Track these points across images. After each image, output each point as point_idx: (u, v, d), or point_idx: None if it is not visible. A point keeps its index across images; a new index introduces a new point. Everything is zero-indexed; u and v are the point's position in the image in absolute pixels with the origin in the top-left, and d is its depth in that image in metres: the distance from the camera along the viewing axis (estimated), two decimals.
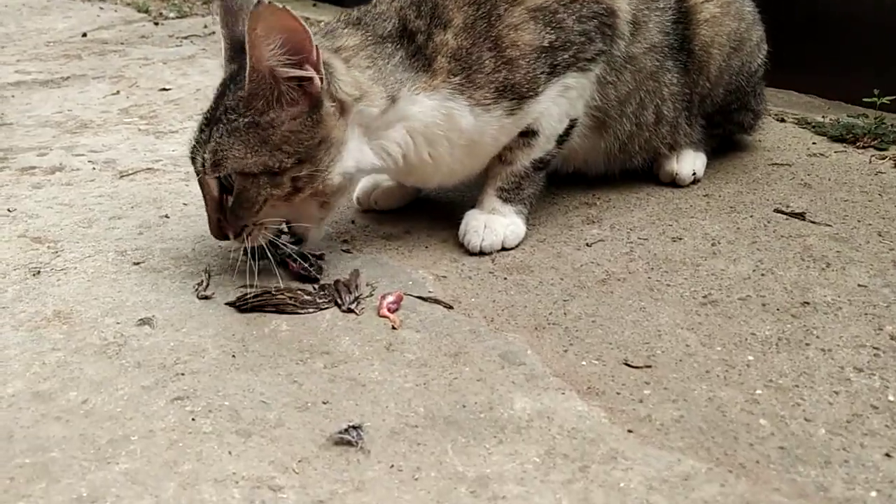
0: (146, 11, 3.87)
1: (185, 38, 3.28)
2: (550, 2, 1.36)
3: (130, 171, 1.84)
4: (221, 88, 1.29)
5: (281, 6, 1.14)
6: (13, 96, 2.48)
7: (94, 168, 1.86)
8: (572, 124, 1.47)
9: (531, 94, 1.36)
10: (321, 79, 1.22)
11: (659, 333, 1.19)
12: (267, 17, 1.15)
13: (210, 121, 1.26)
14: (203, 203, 1.32)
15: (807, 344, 1.15)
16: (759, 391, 1.05)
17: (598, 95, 1.48)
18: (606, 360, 1.13)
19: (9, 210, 1.64)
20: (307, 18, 3.54)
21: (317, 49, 1.20)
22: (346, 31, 1.35)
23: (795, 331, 1.18)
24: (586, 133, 1.53)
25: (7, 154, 1.96)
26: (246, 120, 1.22)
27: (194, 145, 1.28)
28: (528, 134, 1.42)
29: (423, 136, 1.35)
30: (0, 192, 1.74)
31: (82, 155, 1.95)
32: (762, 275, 1.33)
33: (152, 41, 3.25)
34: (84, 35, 3.38)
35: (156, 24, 3.61)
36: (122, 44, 3.22)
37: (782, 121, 2.01)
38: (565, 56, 1.38)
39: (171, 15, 3.77)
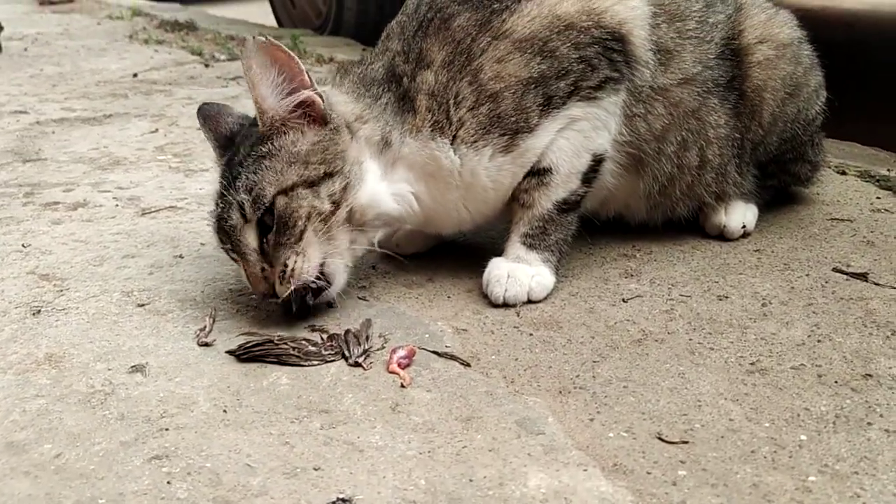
0: (199, 54, 3.91)
1: (232, 79, 3.28)
2: (541, 31, 1.29)
3: (153, 209, 1.79)
4: (231, 159, 1.28)
5: (265, 39, 1.19)
6: (53, 132, 2.48)
7: (117, 205, 1.82)
8: (597, 160, 1.36)
9: (524, 128, 1.28)
10: (320, 96, 1.24)
11: (699, 404, 1.05)
12: (258, 53, 1.19)
13: (229, 182, 1.24)
14: (244, 263, 1.25)
15: (868, 423, 1.00)
16: (812, 477, 0.91)
17: (625, 129, 1.37)
18: (637, 432, 1.00)
19: (23, 245, 1.59)
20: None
21: (307, 73, 1.23)
22: (336, 78, 1.37)
23: (855, 407, 1.03)
24: (620, 172, 1.42)
25: (34, 189, 1.93)
26: (268, 146, 1.24)
27: (221, 214, 1.24)
28: (540, 172, 1.33)
29: (421, 176, 1.31)
30: (20, 227, 1.71)
31: (108, 191, 1.91)
32: (818, 341, 1.19)
33: (199, 82, 3.26)
34: (135, 75, 3.42)
35: (206, 65, 3.64)
36: (169, 84, 3.23)
37: (843, 173, 1.86)
38: (561, 84, 1.29)
39: (223, 57, 3.80)
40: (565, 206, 1.36)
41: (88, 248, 1.58)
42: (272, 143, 1.24)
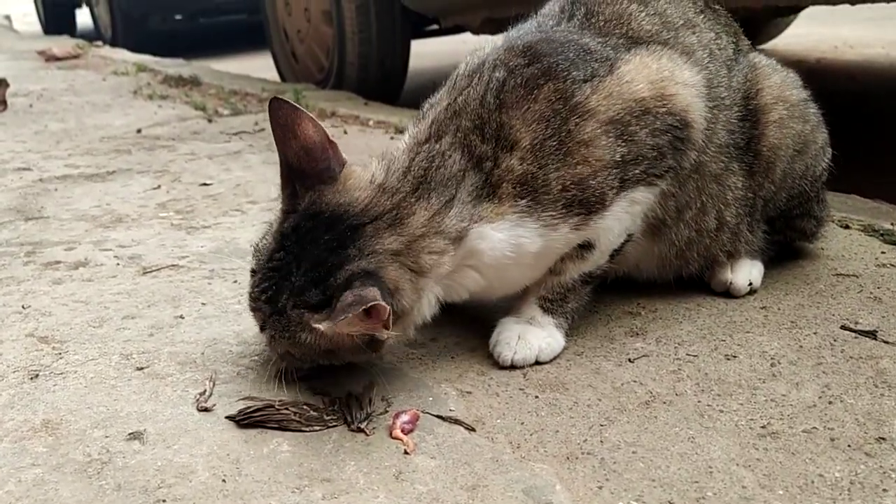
0: (203, 109, 3.94)
1: (235, 134, 3.31)
2: (623, 114, 1.25)
3: (154, 268, 1.78)
4: (281, 267, 1.20)
5: (378, 300, 1.07)
6: (56, 189, 2.49)
7: (118, 264, 1.81)
8: (628, 238, 1.35)
9: (599, 208, 1.25)
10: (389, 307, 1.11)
11: (710, 470, 1.03)
12: (361, 317, 1.09)
13: (269, 300, 1.20)
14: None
15: (884, 490, 0.97)
16: None
17: (658, 207, 1.36)
18: (648, 501, 0.97)
19: (23, 307, 1.58)
20: (357, 116, 3.56)
21: (389, 313, 1.10)
22: (412, 203, 1.21)
23: (870, 473, 1.00)
24: (639, 239, 1.40)
25: (35, 248, 1.93)
26: (307, 338, 1.18)
27: (253, 307, 1.25)
28: (584, 246, 1.30)
29: (492, 268, 1.25)
30: (20, 287, 1.70)
31: (109, 250, 1.91)
32: (829, 403, 1.16)
33: (203, 137, 3.28)
34: (139, 131, 3.44)
35: (209, 121, 3.67)
36: (172, 139, 3.25)
37: (846, 227, 1.86)
38: (636, 171, 1.26)
39: (226, 112, 3.83)
40: (589, 279, 1.35)
41: (88, 309, 1.56)
42: (316, 338, 1.16)
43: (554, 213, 1.23)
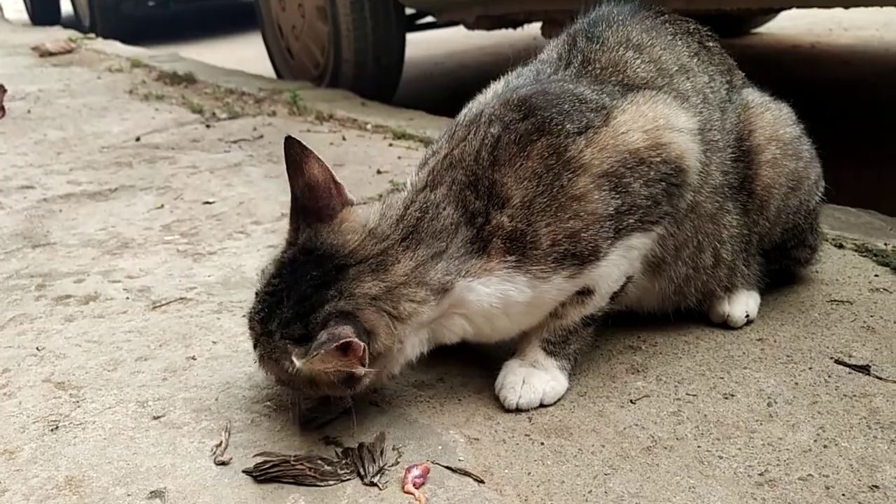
0: (200, 112, 3.95)
1: (234, 142, 3.32)
2: (617, 167, 1.27)
3: (163, 301, 1.81)
4: (274, 296, 1.26)
5: (353, 338, 1.13)
6: (61, 210, 2.51)
7: (127, 297, 1.85)
8: (628, 280, 1.39)
9: (593, 258, 1.28)
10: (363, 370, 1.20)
11: None
12: (335, 355, 1.15)
13: (263, 323, 1.26)
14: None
15: None
16: None
17: (657, 247, 1.39)
18: None
19: (38, 349, 1.62)
20: (354, 120, 3.57)
21: (365, 350, 1.17)
22: (399, 251, 1.25)
23: None
24: (639, 279, 1.44)
25: (45, 280, 1.96)
26: (288, 370, 1.24)
27: (252, 329, 1.31)
28: (583, 293, 1.34)
29: (481, 317, 1.29)
30: (33, 325, 1.73)
31: (118, 281, 1.94)
32: (824, 446, 1.21)
33: (202, 146, 3.30)
34: (137, 139, 3.46)
35: (207, 126, 3.68)
36: (172, 149, 3.27)
37: (841, 247, 1.89)
38: (631, 220, 1.29)
39: (223, 116, 3.84)
40: (590, 321, 1.39)
41: (102, 350, 1.60)
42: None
43: (544, 267, 1.26)
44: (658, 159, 1.30)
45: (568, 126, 1.28)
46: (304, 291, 1.22)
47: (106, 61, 5.86)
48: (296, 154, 1.30)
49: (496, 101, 1.36)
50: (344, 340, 1.12)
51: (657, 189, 1.31)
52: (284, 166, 1.32)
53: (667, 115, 1.33)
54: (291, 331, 1.21)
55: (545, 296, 1.30)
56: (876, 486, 1.12)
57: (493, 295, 1.26)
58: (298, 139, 1.30)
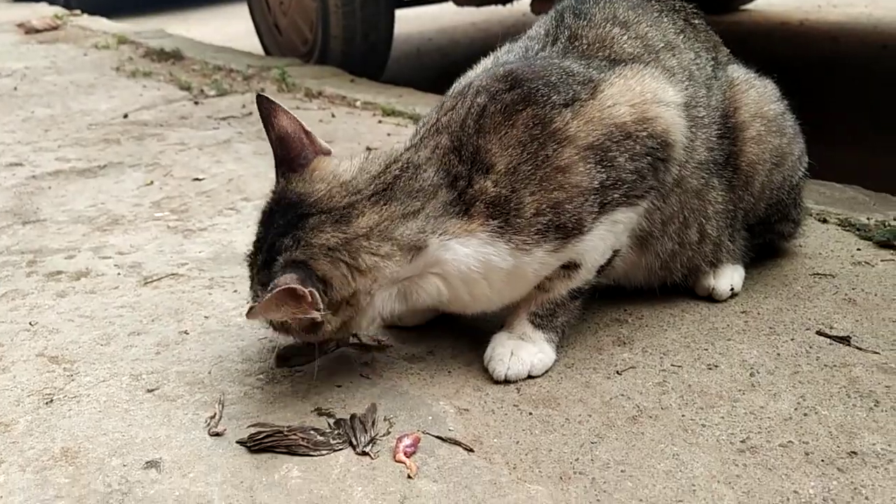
0: (188, 89, 3.94)
1: (223, 119, 3.32)
2: (602, 140, 1.28)
3: (154, 277, 1.83)
4: (257, 244, 1.33)
5: (289, 282, 1.18)
6: (50, 187, 2.51)
7: (119, 273, 1.86)
8: (615, 253, 1.41)
9: (576, 232, 1.29)
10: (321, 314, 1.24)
11: (693, 488, 1.10)
12: (278, 299, 1.20)
13: (251, 266, 1.34)
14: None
15: None
16: None
17: (644, 221, 1.41)
18: None
19: (31, 324, 1.63)
20: (344, 97, 3.57)
21: (311, 294, 1.20)
22: (366, 205, 1.27)
23: (842, 489, 1.08)
24: (626, 253, 1.46)
25: (36, 257, 1.97)
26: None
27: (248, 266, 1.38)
28: (570, 266, 1.35)
29: (459, 280, 1.30)
30: (25, 301, 1.74)
31: (109, 257, 1.95)
32: (805, 415, 1.24)
33: (190, 123, 3.29)
34: (125, 116, 3.44)
35: (196, 103, 3.67)
36: (161, 125, 3.26)
37: (824, 221, 1.92)
38: (616, 195, 1.30)
39: (212, 93, 3.82)
40: (577, 294, 1.41)
41: (94, 325, 1.61)
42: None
43: (527, 238, 1.28)
44: (644, 133, 1.32)
45: (554, 97, 1.30)
46: (273, 240, 1.27)
47: (92, 38, 5.81)
48: (265, 109, 1.35)
49: (484, 74, 1.38)
50: (282, 288, 1.16)
51: (643, 163, 1.32)
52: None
53: (654, 89, 1.35)
54: (261, 277, 1.27)
55: (527, 268, 1.31)
56: (854, 453, 1.15)
57: (471, 256, 1.28)
58: (268, 96, 1.36)
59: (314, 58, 4.52)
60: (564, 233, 1.29)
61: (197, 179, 2.53)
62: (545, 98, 1.30)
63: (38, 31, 6.19)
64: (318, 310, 1.21)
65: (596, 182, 1.28)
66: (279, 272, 1.22)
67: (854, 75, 3.87)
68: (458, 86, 1.43)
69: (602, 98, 1.32)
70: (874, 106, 3.40)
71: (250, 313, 1.19)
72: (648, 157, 1.33)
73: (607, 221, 1.32)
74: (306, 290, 1.18)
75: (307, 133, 1.35)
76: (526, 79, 1.32)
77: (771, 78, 1.64)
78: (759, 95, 1.53)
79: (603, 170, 1.29)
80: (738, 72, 1.57)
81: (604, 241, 1.35)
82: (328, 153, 1.37)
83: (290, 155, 1.34)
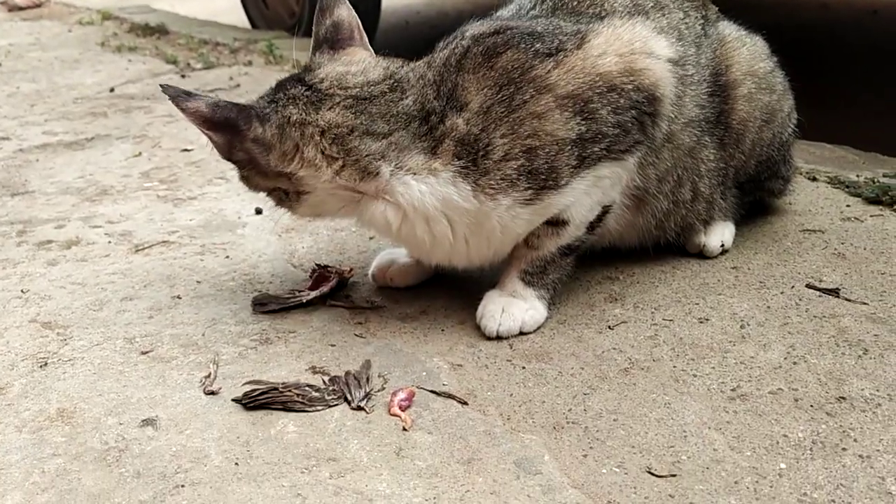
0: (174, 62, 3.90)
1: (211, 91, 3.28)
2: (584, 90, 1.27)
3: (145, 245, 1.82)
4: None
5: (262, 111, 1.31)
6: (37, 160, 2.49)
7: (109, 241, 1.85)
8: (605, 210, 1.40)
9: (552, 185, 1.27)
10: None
11: (684, 434, 1.12)
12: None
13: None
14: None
15: (843, 448, 1.07)
16: None
17: (638, 177, 1.41)
18: (629, 467, 1.06)
19: (22, 291, 1.62)
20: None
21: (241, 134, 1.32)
22: (340, 104, 1.30)
23: (831, 432, 1.10)
24: (622, 213, 1.46)
25: (26, 227, 1.96)
26: None
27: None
28: (557, 223, 1.35)
29: (415, 212, 1.29)
30: (16, 269, 1.74)
31: (99, 226, 1.94)
32: (794, 363, 1.26)
33: None
34: (112, 90, 3.41)
35: (182, 76, 3.63)
36: (147, 98, 3.23)
37: (814, 179, 1.93)
38: (596, 148, 1.29)
39: (199, 66, 3.79)
40: (567, 251, 1.41)
41: (86, 292, 1.61)
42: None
43: (493, 181, 1.26)
44: (630, 86, 1.30)
45: (538, 46, 1.29)
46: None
47: (76, 14, 5.73)
48: (329, 2, 1.44)
49: (475, 23, 1.39)
50: (220, 112, 1.32)
51: (627, 117, 1.31)
52: None
53: (644, 38, 1.33)
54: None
55: (493, 216, 1.28)
56: (843, 398, 1.17)
57: (427, 194, 1.27)
58: None
59: (301, 30, 4.47)
60: (537, 183, 1.27)
61: (186, 150, 2.51)
62: (528, 45, 1.29)
63: (21, 8, 6.10)
64: (250, 139, 1.31)
65: (573, 133, 1.27)
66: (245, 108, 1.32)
67: (844, 40, 3.87)
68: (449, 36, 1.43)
69: (588, 47, 1.30)
70: (864, 71, 3.41)
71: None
72: (633, 111, 1.31)
73: (590, 176, 1.31)
74: (245, 126, 1.31)
75: (360, 30, 1.44)
76: (511, 27, 1.33)
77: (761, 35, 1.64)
78: (750, 53, 1.53)
79: (582, 121, 1.27)
80: (729, 29, 1.57)
81: (589, 196, 1.34)
82: (368, 50, 1.43)
83: (338, 37, 1.41)
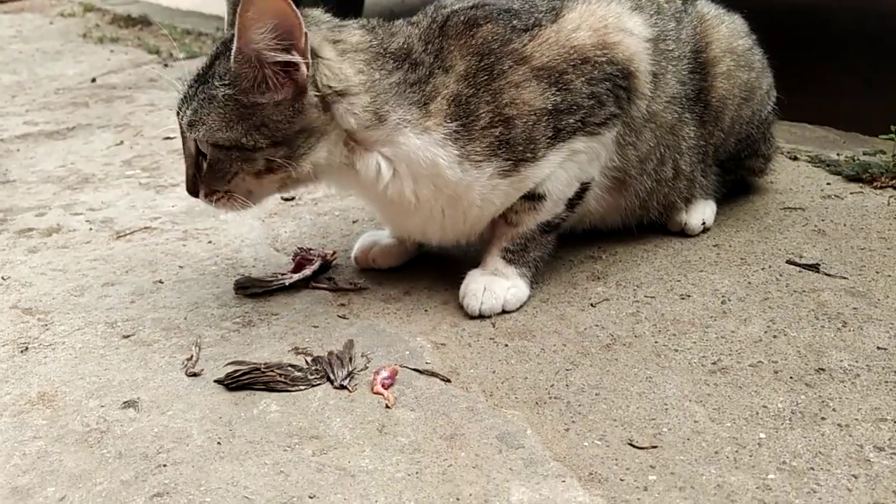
0: (157, 53, 3.88)
1: None
2: (559, 61, 1.30)
3: (127, 231, 1.81)
4: (221, 47, 1.29)
5: None
6: (18, 150, 2.48)
7: (91, 228, 1.84)
8: (584, 187, 1.41)
9: (529, 156, 1.30)
10: (307, 65, 1.21)
11: (665, 407, 1.12)
12: (259, 1, 1.15)
13: (199, 79, 1.28)
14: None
15: (822, 418, 1.08)
16: (771, 475, 0.98)
17: (617, 157, 1.42)
18: (610, 439, 1.07)
19: (2, 278, 1.61)
20: None
21: (306, 36, 1.20)
22: (354, 30, 1.32)
23: (810, 402, 1.11)
24: (604, 195, 1.47)
25: (7, 215, 1.95)
26: (227, 92, 1.24)
27: (182, 98, 1.30)
28: (534, 198, 1.37)
29: (406, 169, 1.30)
30: None
31: (80, 214, 1.93)
32: (774, 337, 1.26)
33: (160, 85, 3.25)
34: (93, 80, 3.39)
35: (165, 65, 3.62)
36: (129, 88, 3.22)
37: (795, 159, 1.94)
38: (571, 120, 1.31)
39: (181, 56, 3.76)
40: (547, 228, 1.42)
41: (67, 278, 1.60)
42: (234, 87, 1.23)
43: (478, 148, 1.29)
44: (604, 59, 1.33)
45: (515, 23, 1.32)
46: None
47: (58, 7, 5.70)
48: None
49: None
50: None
51: (601, 89, 1.33)
52: None
53: (618, 14, 1.36)
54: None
55: (475, 185, 1.30)
56: (822, 369, 1.18)
57: (422, 149, 1.28)
58: None
59: None
60: (515, 154, 1.30)
61: (168, 138, 2.50)
62: (505, 21, 1.32)
63: (2, 1, 6.05)
64: (304, 55, 1.20)
65: (549, 104, 1.29)
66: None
67: (826, 23, 3.88)
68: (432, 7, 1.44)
69: (562, 22, 1.33)
70: (845, 52, 3.42)
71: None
72: (607, 83, 1.33)
73: (565, 149, 1.33)
74: (292, 4, 1.16)
75: None
76: (490, 4, 1.35)
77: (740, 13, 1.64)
78: (729, 31, 1.54)
79: (557, 92, 1.30)
80: (709, 7, 1.57)
81: (565, 170, 1.35)
82: None
83: None
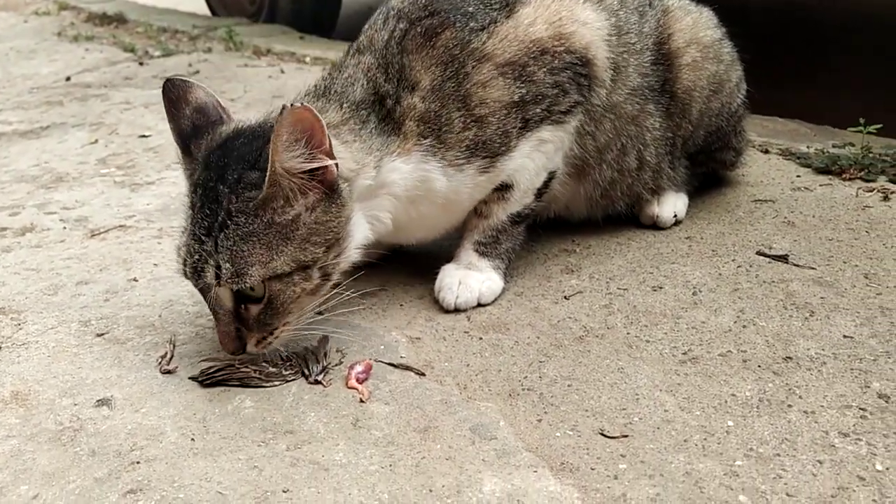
0: (132, 51, 3.85)
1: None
2: (520, 55, 1.32)
3: (102, 230, 1.80)
4: (210, 192, 1.17)
5: (300, 104, 1.09)
6: None
7: (64, 227, 1.83)
8: (551, 176, 1.43)
9: (504, 150, 1.33)
10: (336, 164, 1.17)
11: (636, 397, 1.14)
12: (291, 122, 1.09)
13: (211, 228, 1.15)
14: (214, 318, 1.22)
15: (789, 405, 1.10)
16: (738, 462, 1.00)
17: (576, 146, 1.44)
18: (581, 430, 1.08)
19: None
20: (293, 53, 3.53)
21: (329, 137, 1.15)
22: (319, 105, 1.26)
23: (777, 390, 1.13)
24: (565, 181, 1.49)
25: None
26: (263, 221, 1.14)
27: (196, 258, 1.16)
28: (503, 188, 1.39)
29: (406, 199, 1.32)
30: None
31: (54, 213, 1.92)
32: (743, 326, 1.28)
33: (135, 83, 3.23)
34: (68, 79, 3.36)
35: (140, 63, 3.59)
36: (104, 86, 3.19)
37: (766, 152, 1.97)
38: (537, 110, 1.34)
39: (157, 54, 3.75)
40: (518, 219, 1.44)
41: (41, 277, 1.59)
42: (269, 216, 1.14)
43: (458, 154, 1.31)
44: (562, 49, 1.35)
45: (472, 24, 1.34)
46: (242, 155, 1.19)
47: (32, 5, 5.63)
48: (177, 90, 1.26)
49: (404, 1, 1.40)
50: (296, 107, 1.09)
51: (562, 77, 1.35)
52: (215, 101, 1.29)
53: (570, 7, 1.38)
54: (245, 179, 1.17)
55: (462, 188, 1.34)
56: (790, 358, 1.20)
57: (413, 172, 1.30)
58: (175, 79, 1.28)
59: (262, 17, 4.44)
60: (492, 150, 1.32)
61: (143, 136, 2.49)
62: (462, 24, 1.34)
63: None
64: (330, 155, 1.14)
65: (516, 96, 1.32)
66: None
67: (800, 18, 3.92)
68: (378, 13, 1.43)
69: (517, 17, 1.35)
70: (820, 48, 3.46)
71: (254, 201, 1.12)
72: (568, 72, 1.36)
73: (533, 139, 1.36)
74: (316, 113, 1.10)
75: (223, 108, 1.28)
76: (443, 9, 1.36)
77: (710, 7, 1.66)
78: (694, 22, 1.55)
79: (522, 84, 1.32)
80: (675, 0, 1.59)
81: (533, 160, 1.38)
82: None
83: (211, 120, 1.26)
